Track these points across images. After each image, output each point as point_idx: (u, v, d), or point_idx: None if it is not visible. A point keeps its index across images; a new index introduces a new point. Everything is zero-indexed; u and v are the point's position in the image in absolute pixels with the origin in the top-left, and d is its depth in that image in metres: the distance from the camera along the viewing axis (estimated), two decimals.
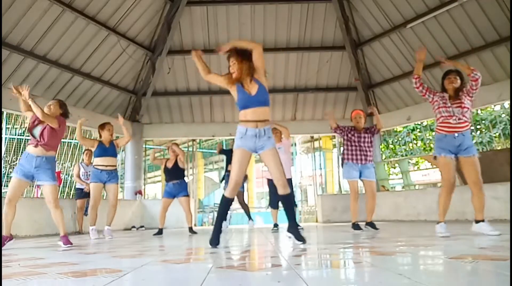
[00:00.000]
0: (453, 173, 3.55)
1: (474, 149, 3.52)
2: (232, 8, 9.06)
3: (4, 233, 3.69)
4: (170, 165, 5.88)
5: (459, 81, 3.61)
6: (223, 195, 3.13)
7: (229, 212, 5.56)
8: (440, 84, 3.76)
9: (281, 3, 9.01)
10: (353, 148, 4.99)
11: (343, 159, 5.13)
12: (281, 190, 3.05)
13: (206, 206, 17.05)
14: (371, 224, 4.95)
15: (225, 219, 7.01)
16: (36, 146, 3.74)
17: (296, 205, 5.85)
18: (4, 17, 6.30)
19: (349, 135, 5.03)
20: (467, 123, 3.53)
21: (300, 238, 3.01)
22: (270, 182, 5.66)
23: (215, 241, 3.05)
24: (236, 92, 3.06)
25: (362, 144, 4.99)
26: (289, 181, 5.66)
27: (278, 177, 3.04)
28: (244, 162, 3.06)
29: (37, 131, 3.79)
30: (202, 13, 9.09)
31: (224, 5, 9.00)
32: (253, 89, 3.03)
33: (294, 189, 5.98)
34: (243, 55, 3.05)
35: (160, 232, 5.75)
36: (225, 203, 3.14)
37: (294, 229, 3.10)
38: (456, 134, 3.50)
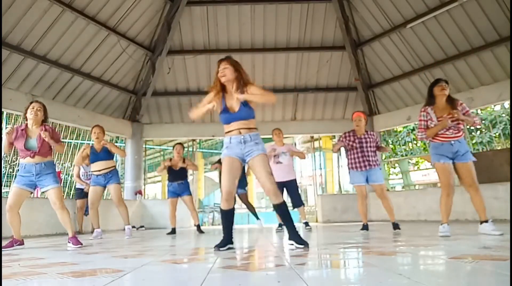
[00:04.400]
0: (451, 176, 3.65)
1: (470, 154, 3.65)
2: (232, 8, 9.05)
3: (15, 236, 3.76)
4: (179, 164, 5.96)
5: (448, 89, 3.72)
6: (220, 208, 3.01)
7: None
8: (428, 93, 3.81)
9: (281, 3, 9.00)
10: (356, 155, 4.91)
11: (348, 168, 5.06)
12: (274, 199, 2.90)
13: (206, 206, 17.07)
14: (393, 224, 4.82)
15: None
16: (33, 156, 3.73)
17: (303, 204, 5.82)
18: (4, 17, 6.29)
19: (350, 142, 4.96)
20: (462, 132, 3.68)
21: (301, 242, 2.83)
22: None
23: (221, 244, 2.92)
24: (220, 107, 3.02)
25: (364, 149, 4.89)
26: (294, 182, 5.71)
27: (269, 187, 2.86)
28: (233, 170, 2.94)
29: (33, 143, 3.77)
30: (202, 13, 9.08)
31: (224, 5, 9.00)
32: (235, 105, 2.99)
33: (299, 190, 5.97)
34: (236, 65, 3.06)
35: (173, 231, 5.90)
36: (226, 215, 3.00)
37: (294, 235, 2.90)
38: (452, 141, 3.63)
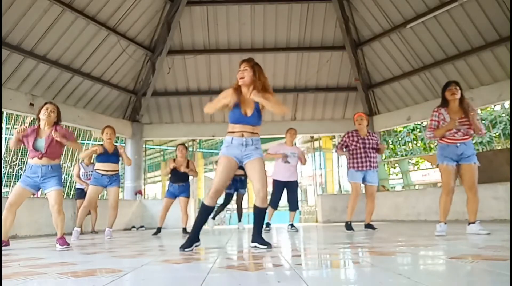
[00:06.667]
0: (453, 178, 3.73)
1: (475, 157, 3.72)
2: (232, 8, 9.05)
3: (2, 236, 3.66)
4: (181, 169, 5.88)
5: (459, 91, 3.78)
6: (202, 202, 2.99)
7: (225, 212, 5.53)
8: (441, 96, 3.88)
9: (281, 3, 9.00)
10: (359, 155, 4.96)
11: (348, 167, 5.10)
12: (260, 203, 2.96)
13: None
14: (369, 226, 5.01)
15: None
16: (41, 157, 3.70)
17: (298, 208, 5.87)
18: (4, 17, 6.29)
19: (354, 142, 4.99)
20: (470, 136, 3.77)
21: (264, 243, 2.90)
22: (276, 183, 5.67)
23: (186, 244, 2.89)
24: (233, 107, 3.00)
25: (367, 150, 4.96)
26: (295, 183, 5.74)
27: (259, 189, 2.93)
28: (227, 170, 2.96)
29: (41, 144, 3.74)
30: (202, 13, 9.08)
31: (224, 5, 9.00)
32: (249, 110, 3.00)
33: (297, 193, 6.02)
34: (256, 68, 3.04)
35: (158, 230, 5.85)
36: (205, 211, 2.98)
37: (258, 238, 2.97)
38: (458, 143, 3.71)
